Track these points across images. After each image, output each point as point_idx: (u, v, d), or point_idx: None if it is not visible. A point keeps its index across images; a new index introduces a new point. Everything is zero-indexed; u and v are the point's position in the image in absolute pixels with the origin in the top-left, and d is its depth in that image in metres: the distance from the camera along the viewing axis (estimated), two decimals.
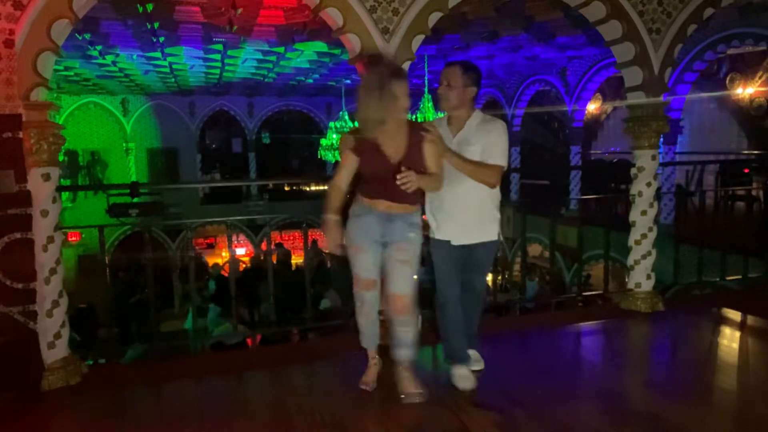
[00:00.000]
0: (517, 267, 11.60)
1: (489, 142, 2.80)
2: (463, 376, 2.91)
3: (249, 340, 6.46)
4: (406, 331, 2.80)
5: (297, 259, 12.76)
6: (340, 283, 6.99)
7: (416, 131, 2.70)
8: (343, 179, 2.75)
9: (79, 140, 14.78)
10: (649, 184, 4.30)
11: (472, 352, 3.10)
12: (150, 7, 6.52)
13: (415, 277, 2.80)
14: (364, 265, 2.78)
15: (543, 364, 3.43)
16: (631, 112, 4.35)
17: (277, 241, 13.48)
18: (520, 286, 6.51)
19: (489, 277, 4.22)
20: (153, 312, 4.32)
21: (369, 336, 2.96)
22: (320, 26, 7.11)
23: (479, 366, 3.12)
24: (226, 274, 9.95)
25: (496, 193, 2.92)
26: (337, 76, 12.12)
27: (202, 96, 15.35)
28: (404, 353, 2.83)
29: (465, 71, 2.89)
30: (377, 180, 2.69)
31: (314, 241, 11.53)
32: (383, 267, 2.80)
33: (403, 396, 2.78)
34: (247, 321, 8.29)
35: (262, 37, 8.26)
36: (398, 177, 2.50)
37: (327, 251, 2.62)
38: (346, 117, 11.18)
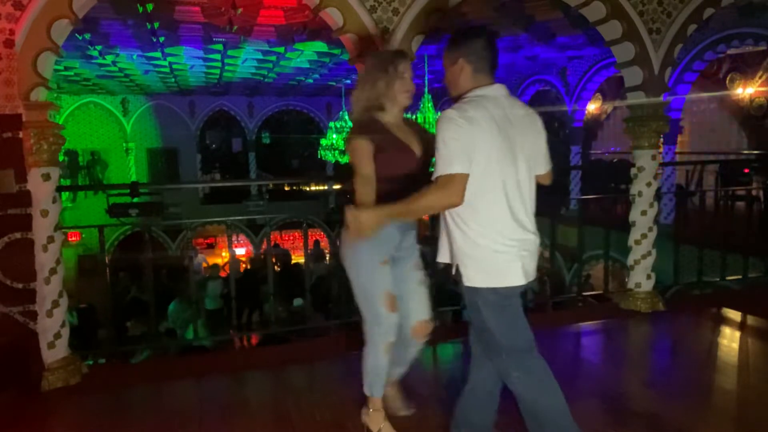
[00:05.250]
0: None
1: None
2: None
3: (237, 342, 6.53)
4: (421, 350, 2.60)
5: (297, 259, 12.75)
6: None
7: (415, 123, 2.55)
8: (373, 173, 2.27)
9: (79, 140, 14.77)
10: (649, 184, 4.30)
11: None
12: (150, 7, 6.52)
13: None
14: (391, 280, 2.35)
15: None
16: (631, 112, 4.35)
17: (275, 242, 13.47)
18: None
19: None
20: (153, 312, 4.32)
21: (386, 376, 2.45)
22: (320, 26, 7.11)
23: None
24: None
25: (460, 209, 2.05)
26: (337, 76, 12.12)
27: (202, 96, 15.35)
28: (403, 371, 2.63)
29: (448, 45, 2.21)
30: (403, 181, 2.23)
31: (316, 242, 11.53)
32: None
33: (404, 412, 2.64)
34: (238, 324, 8.31)
35: (262, 37, 8.26)
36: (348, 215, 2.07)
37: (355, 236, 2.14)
38: (346, 117, 11.18)
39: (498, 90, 2.07)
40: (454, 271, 2.12)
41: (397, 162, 2.29)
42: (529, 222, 2.09)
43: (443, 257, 2.17)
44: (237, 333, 6.05)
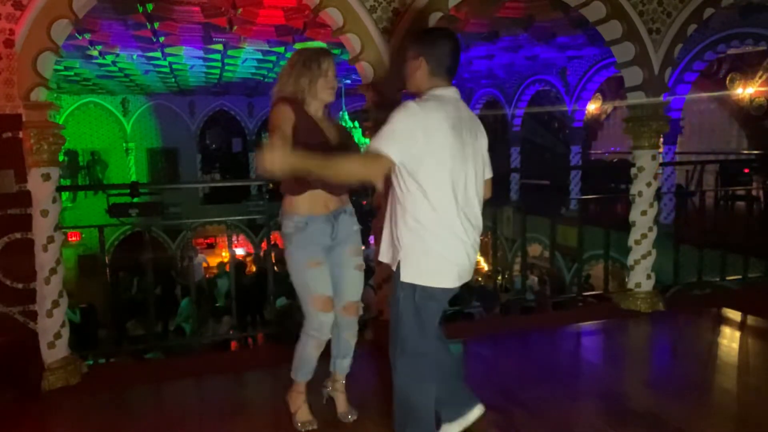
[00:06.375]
0: (516, 267, 11.60)
1: None
2: None
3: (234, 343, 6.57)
4: (355, 334, 2.63)
5: None
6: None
7: (337, 123, 2.62)
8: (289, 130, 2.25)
9: (79, 140, 14.78)
10: (649, 184, 4.30)
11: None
12: (150, 7, 6.52)
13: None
14: (324, 281, 2.42)
15: (543, 364, 3.43)
16: (631, 112, 4.35)
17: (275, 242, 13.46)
18: (520, 286, 6.51)
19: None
20: (153, 312, 4.32)
21: (312, 367, 2.59)
22: (320, 26, 7.11)
23: None
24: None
25: (409, 203, 2.04)
26: (336, 76, 12.11)
27: (202, 96, 15.36)
28: (349, 362, 2.67)
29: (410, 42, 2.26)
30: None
31: None
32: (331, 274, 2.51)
33: (342, 416, 2.65)
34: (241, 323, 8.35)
35: (262, 37, 8.26)
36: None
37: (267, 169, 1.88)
38: (346, 117, 11.18)
39: (454, 93, 2.13)
40: (394, 267, 2.13)
41: (309, 142, 2.25)
42: (475, 226, 2.14)
43: (385, 257, 2.20)
44: (239, 333, 6.06)
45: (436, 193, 2.01)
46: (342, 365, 2.67)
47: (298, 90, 2.37)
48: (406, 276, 2.08)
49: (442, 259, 2.07)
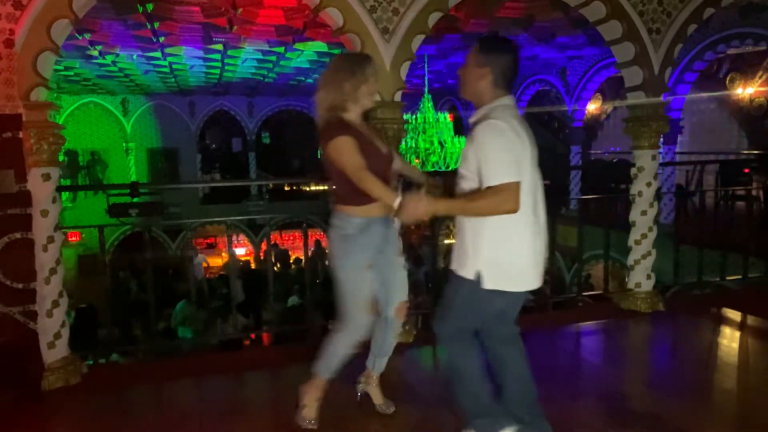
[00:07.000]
0: None
1: (478, 155, 2.08)
2: None
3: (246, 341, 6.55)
4: (398, 335, 2.69)
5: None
6: None
7: (367, 124, 2.64)
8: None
9: (79, 140, 14.77)
10: (649, 184, 4.30)
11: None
12: (150, 7, 6.52)
13: None
14: (373, 284, 2.49)
15: (543, 364, 3.42)
16: (631, 112, 4.35)
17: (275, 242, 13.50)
18: None
19: None
20: (153, 312, 4.32)
21: (340, 366, 2.59)
22: (320, 26, 7.11)
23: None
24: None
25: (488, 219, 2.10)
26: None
27: (202, 96, 15.35)
28: (386, 361, 2.72)
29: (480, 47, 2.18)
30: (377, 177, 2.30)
31: (317, 242, 11.55)
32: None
33: (381, 407, 2.72)
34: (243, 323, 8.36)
35: (262, 37, 8.26)
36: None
37: (410, 221, 2.24)
38: None
39: (514, 102, 2.19)
40: (473, 276, 2.13)
41: (371, 161, 2.33)
42: (545, 229, 2.20)
43: (468, 272, 2.15)
44: (239, 333, 6.06)
45: (522, 205, 2.04)
46: (381, 363, 2.71)
47: (339, 96, 2.38)
48: (490, 283, 2.10)
49: (522, 262, 2.13)
